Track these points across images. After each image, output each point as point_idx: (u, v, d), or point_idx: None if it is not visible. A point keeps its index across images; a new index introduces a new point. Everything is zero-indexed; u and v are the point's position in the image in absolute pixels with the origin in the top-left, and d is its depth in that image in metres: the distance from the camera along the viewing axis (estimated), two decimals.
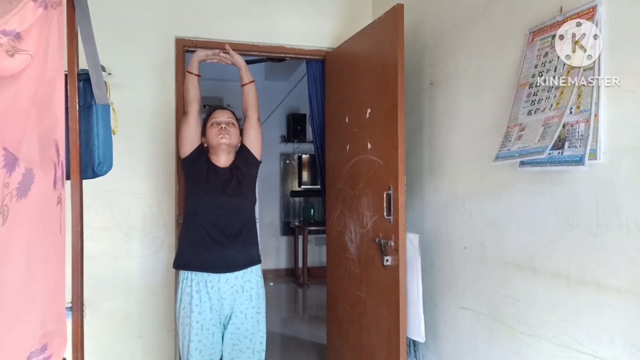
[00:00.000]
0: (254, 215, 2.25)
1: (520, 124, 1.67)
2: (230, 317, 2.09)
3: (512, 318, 1.80)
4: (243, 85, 2.25)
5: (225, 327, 2.12)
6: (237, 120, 2.26)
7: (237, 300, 2.09)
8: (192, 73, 2.18)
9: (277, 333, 4.25)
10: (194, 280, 2.07)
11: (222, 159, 2.18)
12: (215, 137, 2.13)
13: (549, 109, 1.55)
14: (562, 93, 1.51)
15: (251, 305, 2.11)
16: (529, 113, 1.64)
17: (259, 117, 2.29)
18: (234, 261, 2.08)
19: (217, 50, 2.27)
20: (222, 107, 2.29)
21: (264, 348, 2.16)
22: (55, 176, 1.17)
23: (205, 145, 2.21)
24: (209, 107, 2.31)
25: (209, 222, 2.07)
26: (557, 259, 1.58)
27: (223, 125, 2.14)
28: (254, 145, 2.24)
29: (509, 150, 1.69)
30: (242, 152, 2.24)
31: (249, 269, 2.14)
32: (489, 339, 1.94)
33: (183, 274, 2.11)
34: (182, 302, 2.09)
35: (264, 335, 2.16)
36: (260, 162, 2.29)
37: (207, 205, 2.09)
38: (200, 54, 2.23)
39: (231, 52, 2.27)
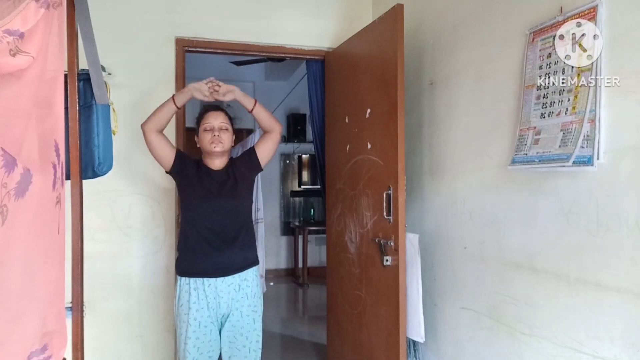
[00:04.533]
0: (251, 216, 2.24)
1: (534, 127, 1.65)
2: (228, 315, 2.10)
3: (512, 318, 1.80)
4: (250, 112, 2.20)
5: (222, 325, 2.12)
6: (231, 119, 2.23)
7: (234, 298, 2.09)
8: (175, 105, 2.12)
9: (277, 333, 4.25)
10: (191, 279, 2.08)
11: (217, 162, 2.18)
12: (209, 145, 2.12)
13: (565, 113, 1.52)
14: (576, 97, 1.49)
15: (247, 303, 2.11)
16: (542, 116, 1.62)
17: (281, 130, 2.26)
18: (231, 265, 2.09)
19: (211, 90, 2.15)
20: (215, 107, 2.22)
21: (260, 347, 2.16)
22: (55, 176, 1.17)
23: (198, 146, 2.20)
24: (203, 107, 2.25)
25: (205, 227, 2.07)
26: (557, 259, 1.58)
27: (216, 133, 2.12)
28: (264, 154, 2.24)
29: (526, 154, 1.66)
30: (250, 155, 2.24)
31: (247, 271, 2.15)
32: (489, 339, 1.94)
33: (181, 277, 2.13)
34: (180, 300, 2.10)
35: (260, 334, 2.16)
36: (262, 169, 2.29)
37: (203, 210, 2.09)
38: (196, 94, 2.14)
39: (221, 86, 2.16)
